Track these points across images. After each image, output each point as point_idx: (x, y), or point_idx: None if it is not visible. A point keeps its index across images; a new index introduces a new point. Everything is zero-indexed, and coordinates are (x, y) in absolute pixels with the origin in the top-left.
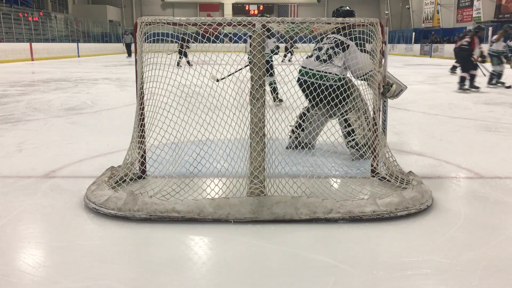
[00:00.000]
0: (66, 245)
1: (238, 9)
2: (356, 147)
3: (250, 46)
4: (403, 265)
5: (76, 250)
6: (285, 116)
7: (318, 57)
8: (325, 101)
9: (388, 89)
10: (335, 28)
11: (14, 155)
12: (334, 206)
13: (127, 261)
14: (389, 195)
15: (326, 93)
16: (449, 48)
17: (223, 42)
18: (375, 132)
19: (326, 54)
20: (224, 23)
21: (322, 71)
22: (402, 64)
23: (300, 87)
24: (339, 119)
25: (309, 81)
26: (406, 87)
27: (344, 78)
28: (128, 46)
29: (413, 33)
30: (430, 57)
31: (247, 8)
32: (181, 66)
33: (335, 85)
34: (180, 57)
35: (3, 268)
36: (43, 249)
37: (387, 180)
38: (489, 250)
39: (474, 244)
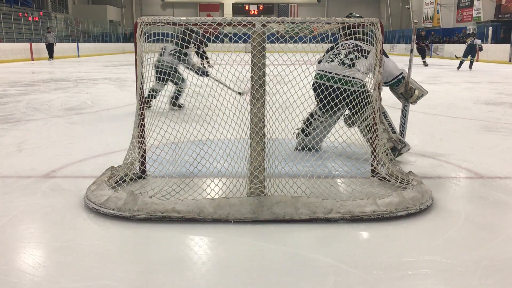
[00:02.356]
0: (66, 245)
1: (238, 9)
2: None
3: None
4: (403, 265)
5: (76, 250)
6: (285, 116)
7: (342, 62)
8: (349, 107)
9: (411, 94)
10: (345, 31)
11: (14, 155)
12: (334, 206)
13: (127, 261)
14: (389, 195)
15: (351, 97)
16: (449, 48)
17: (223, 42)
18: (375, 132)
19: (350, 60)
20: (224, 23)
21: (349, 76)
22: (402, 64)
23: (322, 94)
24: (360, 127)
25: (332, 86)
26: (427, 92)
27: (365, 85)
28: (50, 47)
29: None
30: (430, 57)
31: (247, 8)
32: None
33: (359, 91)
34: (201, 61)
35: (3, 268)
36: (43, 249)
37: (387, 180)
38: (489, 250)
39: (474, 244)
